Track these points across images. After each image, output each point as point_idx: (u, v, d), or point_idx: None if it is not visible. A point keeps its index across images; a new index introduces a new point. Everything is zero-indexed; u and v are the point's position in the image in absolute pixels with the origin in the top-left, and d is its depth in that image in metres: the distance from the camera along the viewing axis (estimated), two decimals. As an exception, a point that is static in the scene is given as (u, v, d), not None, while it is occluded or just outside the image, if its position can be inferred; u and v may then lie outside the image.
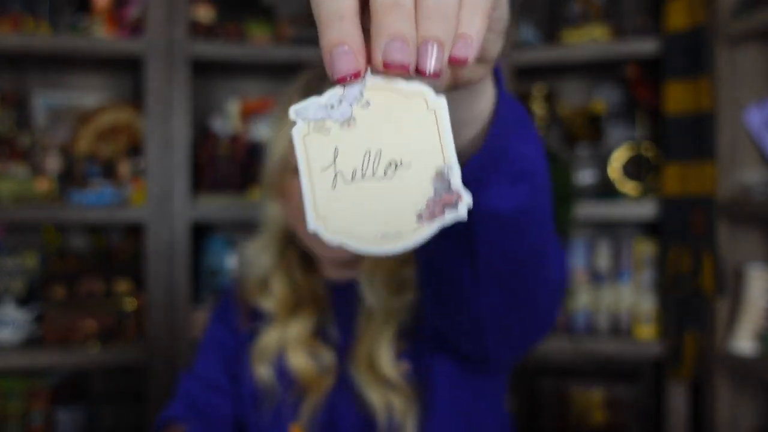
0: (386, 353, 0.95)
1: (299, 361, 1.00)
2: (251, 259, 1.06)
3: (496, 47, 0.46)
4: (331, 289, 1.07)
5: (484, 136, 0.51)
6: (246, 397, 1.04)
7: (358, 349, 0.98)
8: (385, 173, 0.36)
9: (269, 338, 1.02)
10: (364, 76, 0.37)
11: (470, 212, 0.41)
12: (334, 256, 1.00)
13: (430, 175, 0.36)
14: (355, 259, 1.01)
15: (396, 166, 0.36)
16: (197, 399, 1.08)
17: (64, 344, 1.83)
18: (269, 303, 1.04)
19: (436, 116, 0.36)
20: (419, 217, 0.35)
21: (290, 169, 0.96)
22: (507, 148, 0.53)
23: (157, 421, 1.07)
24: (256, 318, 1.07)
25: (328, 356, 1.01)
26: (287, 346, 1.01)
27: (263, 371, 1.01)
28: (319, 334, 1.03)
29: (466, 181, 0.42)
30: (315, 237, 0.88)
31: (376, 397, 0.95)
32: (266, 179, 1.02)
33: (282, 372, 1.01)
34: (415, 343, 0.98)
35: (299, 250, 1.07)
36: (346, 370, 1.00)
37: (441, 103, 0.36)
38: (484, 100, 0.51)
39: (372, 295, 0.98)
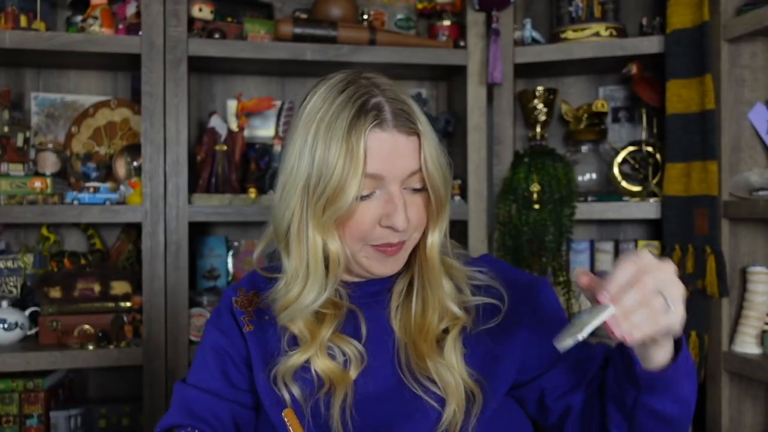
0: (455, 345, 0.99)
1: (322, 365, 1.00)
2: (307, 300, 0.99)
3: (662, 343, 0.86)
4: (353, 287, 1.05)
5: (662, 370, 0.88)
6: (271, 401, 1.02)
7: (419, 340, 1.00)
8: (580, 329, 0.79)
9: (296, 359, 1.00)
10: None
11: (641, 403, 0.90)
12: (384, 272, 1.02)
13: (580, 329, 0.79)
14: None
15: (583, 327, 0.79)
16: (195, 406, 1.06)
17: (60, 346, 1.80)
18: (295, 329, 1.02)
19: (598, 319, 0.79)
20: (572, 335, 0.80)
21: (359, 197, 0.94)
22: (673, 383, 0.89)
23: (156, 430, 1.05)
24: (261, 317, 1.06)
25: (351, 349, 1.01)
26: (312, 357, 1.00)
27: (292, 390, 1.00)
28: (344, 330, 1.03)
29: (642, 385, 0.88)
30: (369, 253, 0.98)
31: (444, 383, 0.97)
32: (331, 218, 0.94)
33: (306, 379, 1.00)
34: (473, 346, 1.01)
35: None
36: (379, 360, 1.01)
37: (608, 312, 0.79)
38: (658, 356, 0.87)
39: (431, 292, 1.02)
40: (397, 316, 1.03)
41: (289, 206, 0.97)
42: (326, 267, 0.98)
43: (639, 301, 0.78)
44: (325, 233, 0.95)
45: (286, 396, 1.00)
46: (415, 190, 0.98)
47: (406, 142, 0.95)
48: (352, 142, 0.92)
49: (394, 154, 0.94)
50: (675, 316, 0.79)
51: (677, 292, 0.79)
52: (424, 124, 0.97)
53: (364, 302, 1.05)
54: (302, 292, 0.98)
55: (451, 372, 0.97)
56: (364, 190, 0.94)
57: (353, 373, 1.00)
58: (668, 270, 0.80)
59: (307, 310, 0.99)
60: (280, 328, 1.02)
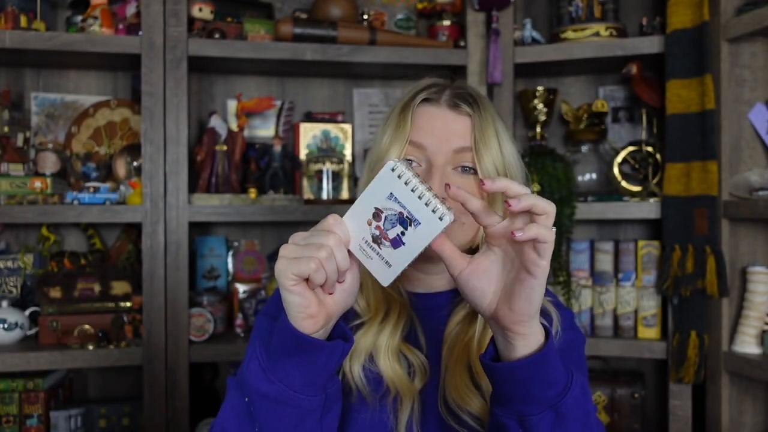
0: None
1: (389, 365, 1.00)
2: None
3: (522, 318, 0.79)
4: (417, 298, 1.06)
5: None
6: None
7: (462, 366, 0.99)
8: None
9: (364, 341, 1.01)
10: None
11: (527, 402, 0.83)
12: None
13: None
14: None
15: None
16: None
17: (60, 346, 1.80)
18: (362, 303, 1.04)
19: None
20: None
21: None
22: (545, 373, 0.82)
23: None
24: None
25: (417, 360, 1.02)
26: (379, 350, 1.01)
27: (356, 370, 1.00)
28: (408, 339, 1.03)
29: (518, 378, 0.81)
30: None
31: (477, 408, 0.97)
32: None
33: (369, 371, 1.01)
34: None
35: None
36: (434, 377, 1.01)
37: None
38: (522, 348, 0.81)
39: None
40: (449, 338, 1.03)
41: (361, 177, 1.07)
42: None
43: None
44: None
45: (351, 385, 0.99)
46: (466, 171, 0.99)
47: (455, 119, 0.99)
48: (402, 116, 1.00)
49: (441, 128, 0.99)
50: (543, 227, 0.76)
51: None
52: (485, 113, 1.00)
53: (424, 315, 1.06)
54: None
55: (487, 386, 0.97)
56: (407, 157, 0.99)
57: (418, 384, 1.00)
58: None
59: None
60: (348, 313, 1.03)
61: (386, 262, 0.81)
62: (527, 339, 0.80)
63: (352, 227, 0.81)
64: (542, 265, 0.77)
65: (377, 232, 0.80)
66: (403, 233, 0.78)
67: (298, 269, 0.78)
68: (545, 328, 0.83)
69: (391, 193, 0.78)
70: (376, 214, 0.79)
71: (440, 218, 0.76)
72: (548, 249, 0.76)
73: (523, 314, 0.79)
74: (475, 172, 0.99)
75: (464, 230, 1.00)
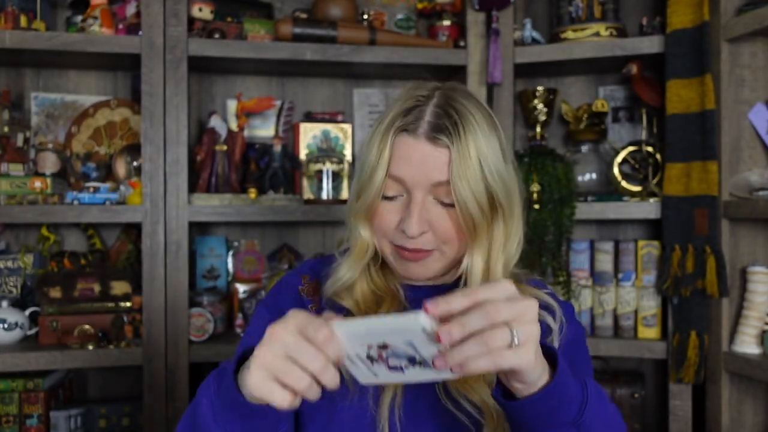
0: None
1: None
2: (341, 275, 1.05)
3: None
4: (410, 290, 1.07)
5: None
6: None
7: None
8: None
9: None
10: None
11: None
12: (410, 275, 1.03)
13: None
14: (430, 278, 1.03)
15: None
16: None
17: (60, 346, 1.80)
18: (350, 302, 1.04)
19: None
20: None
21: (381, 195, 0.99)
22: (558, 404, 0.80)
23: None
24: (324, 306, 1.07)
25: None
26: None
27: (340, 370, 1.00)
28: None
29: (534, 414, 0.80)
30: (393, 252, 1.01)
31: (479, 399, 0.96)
32: (360, 207, 1.01)
33: None
34: None
35: (379, 258, 1.07)
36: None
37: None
38: (526, 389, 0.79)
39: None
40: None
41: (349, 196, 1.07)
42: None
43: (479, 328, 0.71)
44: (357, 220, 1.02)
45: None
46: (445, 204, 0.97)
47: (432, 152, 0.95)
48: (383, 143, 0.97)
49: (419, 162, 0.96)
50: (522, 355, 0.72)
51: (531, 330, 0.73)
52: (468, 137, 0.94)
53: (417, 306, 1.05)
54: (342, 268, 1.05)
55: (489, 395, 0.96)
56: (389, 191, 0.98)
57: None
58: (529, 305, 0.73)
59: (342, 281, 1.04)
60: (338, 309, 1.03)
61: (374, 374, 0.76)
62: (530, 390, 0.79)
63: (346, 341, 0.73)
64: (521, 354, 0.73)
65: (375, 355, 0.74)
66: (406, 366, 0.74)
67: (270, 398, 0.74)
68: (549, 350, 0.81)
69: (411, 342, 0.71)
70: (383, 346, 0.73)
71: (452, 369, 0.72)
72: (518, 354, 0.72)
73: (519, 388, 0.78)
74: (454, 206, 0.97)
75: (445, 257, 1.00)
